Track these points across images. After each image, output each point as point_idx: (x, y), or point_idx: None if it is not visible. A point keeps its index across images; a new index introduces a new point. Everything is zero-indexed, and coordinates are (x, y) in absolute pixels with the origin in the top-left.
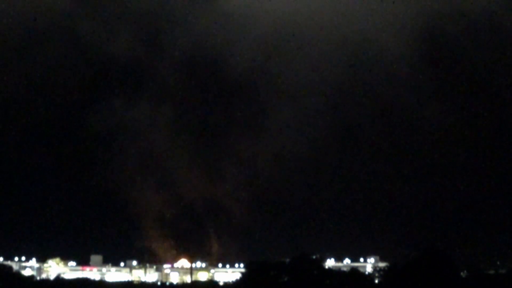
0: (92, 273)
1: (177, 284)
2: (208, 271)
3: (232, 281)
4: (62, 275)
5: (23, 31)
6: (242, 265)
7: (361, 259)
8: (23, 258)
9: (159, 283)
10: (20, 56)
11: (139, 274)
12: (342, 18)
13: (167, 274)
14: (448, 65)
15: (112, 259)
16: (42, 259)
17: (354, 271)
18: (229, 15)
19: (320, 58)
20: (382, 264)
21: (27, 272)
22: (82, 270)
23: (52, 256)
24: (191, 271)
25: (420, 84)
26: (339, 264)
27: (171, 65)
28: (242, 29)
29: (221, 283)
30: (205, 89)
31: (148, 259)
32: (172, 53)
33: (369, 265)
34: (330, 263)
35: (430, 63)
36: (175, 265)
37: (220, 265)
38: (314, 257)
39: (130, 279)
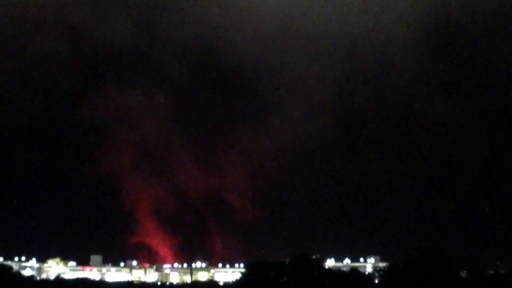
0: (92, 273)
1: (177, 284)
2: (208, 271)
3: (232, 281)
4: (62, 275)
5: (15, 17)
6: (242, 265)
7: (361, 259)
8: (23, 258)
9: (159, 283)
10: (12, 44)
11: (139, 274)
12: (347, 10)
13: (167, 274)
14: (456, 55)
15: (112, 259)
16: (42, 259)
17: (354, 271)
18: (231, 6)
19: (324, 50)
20: (382, 264)
21: (27, 272)
22: (82, 270)
23: (52, 256)
24: (191, 271)
25: (427, 75)
26: (339, 264)
27: (169, 54)
28: (244, 21)
29: (221, 283)
30: (205, 80)
31: (147, 257)
32: (170, 41)
33: (369, 265)
34: (330, 263)
35: (437, 53)
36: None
37: (220, 265)
38: (314, 257)
39: (130, 279)
